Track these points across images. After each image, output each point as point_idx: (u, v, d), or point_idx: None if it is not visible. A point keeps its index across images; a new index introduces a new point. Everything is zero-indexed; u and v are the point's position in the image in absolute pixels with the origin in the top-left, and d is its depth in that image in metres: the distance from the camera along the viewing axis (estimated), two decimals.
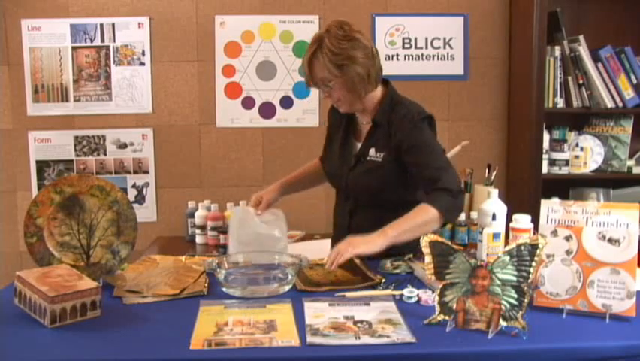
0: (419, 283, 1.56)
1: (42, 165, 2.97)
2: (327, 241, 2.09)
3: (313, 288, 1.52)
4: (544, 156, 2.83)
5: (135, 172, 3.01)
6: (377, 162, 1.79)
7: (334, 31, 1.71)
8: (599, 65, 2.80)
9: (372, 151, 1.81)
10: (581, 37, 2.81)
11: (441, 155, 1.75)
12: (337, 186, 1.94)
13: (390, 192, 1.80)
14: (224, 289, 1.50)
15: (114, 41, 2.93)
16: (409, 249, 1.70)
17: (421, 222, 1.62)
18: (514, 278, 1.25)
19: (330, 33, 1.71)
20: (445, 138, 2.99)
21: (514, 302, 1.24)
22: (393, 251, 1.66)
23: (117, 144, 2.98)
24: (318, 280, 1.59)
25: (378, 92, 1.82)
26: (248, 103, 3.00)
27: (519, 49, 2.91)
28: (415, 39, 3.01)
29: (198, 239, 2.82)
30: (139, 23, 2.93)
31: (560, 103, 2.81)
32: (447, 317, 1.27)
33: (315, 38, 1.73)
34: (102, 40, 2.93)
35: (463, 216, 2.78)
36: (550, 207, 1.39)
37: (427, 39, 3.01)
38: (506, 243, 1.55)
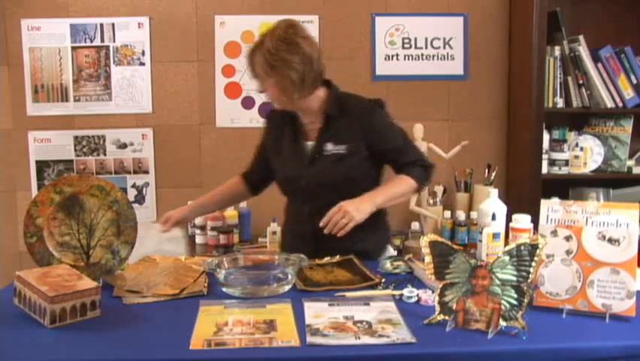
0: (419, 283, 1.56)
1: (42, 165, 2.97)
2: None
3: (313, 288, 1.52)
4: (544, 156, 2.83)
5: (135, 172, 3.01)
6: (340, 154, 1.78)
7: (278, 32, 1.73)
8: (599, 65, 2.81)
9: (329, 146, 1.80)
10: (581, 37, 2.81)
11: (407, 135, 1.87)
12: (294, 189, 1.86)
13: (355, 183, 1.79)
14: (224, 289, 1.50)
15: (114, 41, 2.93)
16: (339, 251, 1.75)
17: (401, 192, 1.78)
18: (514, 278, 1.25)
19: (274, 33, 1.73)
20: (445, 138, 2.99)
21: (514, 302, 1.24)
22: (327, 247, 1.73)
23: (117, 144, 2.99)
24: (318, 280, 1.59)
25: (322, 92, 1.83)
26: (248, 103, 3.00)
27: (519, 49, 2.91)
28: (415, 39, 3.01)
29: (198, 239, 2.82)
30: (139, 23, 2.93)
31: (560, 103, 2.81)
32: (447, 317, 1.27)
33: (261, 35, 1.76)
34: (102, 40, 2.93)
35: (462, 216, 2.79)
36: (550, 207, 1.39)
37: (426, 39, 3.01)
38: (506, 243, 1.55)
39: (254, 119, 3.00)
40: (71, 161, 2.98)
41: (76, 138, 2.96)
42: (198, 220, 2.80)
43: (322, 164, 1.80)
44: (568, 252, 1.35)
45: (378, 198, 1.72)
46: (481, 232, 1.58)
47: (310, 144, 1.84)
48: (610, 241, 1.32)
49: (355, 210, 1.67)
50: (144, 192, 3.02)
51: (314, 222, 1.75)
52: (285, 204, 1.98)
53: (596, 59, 2.81)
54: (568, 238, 1.36)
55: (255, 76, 1.81)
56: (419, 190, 1.87)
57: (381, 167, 1.89)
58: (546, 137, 2.85)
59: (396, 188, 1.78)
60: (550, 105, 2.80)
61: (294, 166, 1.84)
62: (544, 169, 2.84)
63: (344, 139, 1.79)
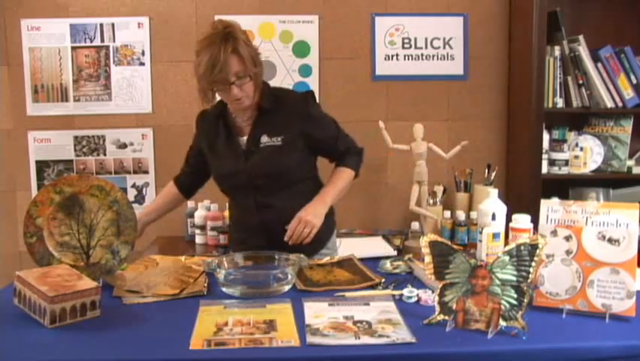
0: (419, 283, 1.56)
1: (42, 165, 2.96)
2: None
3: (313, 288, 1.52)
4: (544, 156, 2.83)
5: (135, 172, 3.01)
6: (277, 146, 1.81)
7: (235, 26, 1.72)
8: (599, 65, 2.80)
9: (264, 138, 1.81)
10: (581, 37, 2.81)
11: (338, 124, 1.94)
12: (235, 184, 1.87)
13: (294, 172, 1.85)
14: (224, 289, 1.50)
15: (114, 41, 2.93)
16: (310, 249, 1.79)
17: (344, 186, 1.89)
18: (514, 278, 1.26)
19: (235, 28, 1.71)
20: (445, 138, 2.99)
21: (514, 302, 1.24)
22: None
23: (117, 144, 2.98)
24: (317, 280, 1.59)
25: None
26: None
27: (519, 49, 2.91)
28: (415, 39, 3.01)
29: (198, 239, 2.82)
30: (139, 23, 2.93)
31: (560, 103, 2.81)
32: (447, 317, 1.27)
33: (223, 34, 1.68)
34: (102, 40, 2.93)
35: (462, 216, 2.79)
36: (550, 207, 1.39)
37: (426, 39, 3.01)
38: (506, 243, 1.55)
39: None
40: (71, 161, 2.98)
41: (76, 138, 2.96)
42: (198, 220, 2.80)
43: (259, 156, 1.81)
44: (568, 252, 1.35)
45: (327, 198, 1.83)
46: (481, 232, 1.58)
47: (244, 138, 1.84)
48: (610, 241, 1.32)
49: (313, 217, 1.76)
50: (144, 192, 3.02)
51: (262, 214, 1.83)
52: (228, 201, 2.01)
53: (595, 59, 2.81)
54: (568, 238, 1.36)
55: (223, 80, 1.69)
56: (356, 177, 1.96)
57: (315, 157, 1.94)
58: (546, 137, 2.84)
59: (340, 183, 1.88)
60: (550, 105, 2.80)
61: (231, 162, 1.84)
62: (544, 169, 2.84)
63: (279, 131, 1.81)
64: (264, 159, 1.80)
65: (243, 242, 1.88)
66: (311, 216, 1.75)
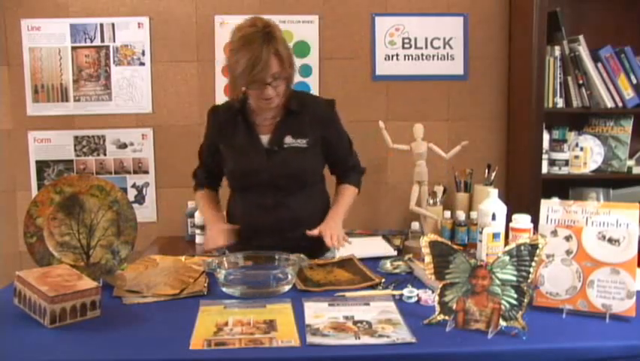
0: (419, 283, 1.56)
1: (42, 165, 2.96)
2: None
3: (313, 288, 1.52)
4: (544, 156, 2.83)
5: (135, 172, 3.01)
6: (302, 147, 1.82)
7: (275, 25, 1.72)
8: (599, 65, 2.80)
9: (288, 138, 1.81)
10: (581, 37, 2.81)
11: (351, 140, 1.99)
12: (253, 182, 1.84)
13: (312, 175, 1.90)
14: (224, 289, 1.50)
15: (114, 41, 2.93)
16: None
17: (351, 201, 1.95)
18: (514, 278, 1.25)
19: (275, 27, 1.71)
20: (445, 138, 2.99)
21: (514, 302, 1.24)
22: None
23: (117, 144, 2.98)
24: (318, 280, 1.59)
25: None
26: None
27: (519, 49, 2.91)
28: (415, 39, 3.01)
29: (198, 239, 2.82)
30: (139, 23, 2.93)
31: (560, 103, 2.80)
32: (447, 317, 1.27)
33: (264, 34, 1.66)
34: (102, 40, 2.93)
35: (463, 217, 2.79)
36: (550, 207, 1.39)
37: (426, 39, 3.01)
38: (506, 243, 1.55)
39: None
40: (71, 161, 2.98)
41: (76, 137, 2.96)
42: (198, 220, 2.80)
43: (283, 156, 1.81)
44: (568, 252, 1.35)
45: (341, 213, 1.90)
46: (481, 232, 1.58)
47: (265, 137, 1.83)
48: (610, 241, 1.32)
49: (335, 227, 1.82)
50: (144, 192, 3.02)
51: (277, 213, 1.83)
52: (232, 199, 1.96)
53: (596, 59, 2.81)
54: (568, 238, 1.36)
55: (261, 80, 1.67)
56: (357, 194, 2.02)
57: (325, 163, 1.96)
58: (546, 137, 2.84)
59: (348, 199, 1.95)
60: (550, 105, 2.79)
61: (253, 160, 1.83)
62: (544, 169, 2.84)
63: (305, 133, 1.83)
64: (288, 159, 1.81)
65: (247, 241, 1.83)
66: (333, 228, 1.80)
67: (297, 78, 2.95)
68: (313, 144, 1.84)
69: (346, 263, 1.77)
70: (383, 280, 1.58)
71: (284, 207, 1.83)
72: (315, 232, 1.79)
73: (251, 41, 1.65)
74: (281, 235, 1.81)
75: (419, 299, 1.42)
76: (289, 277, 1.53)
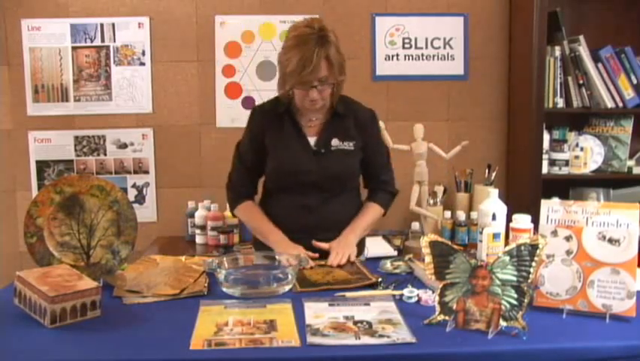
0: (419, 283, 1.56)
1: (42, 165, 2.97)
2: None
3: (309, 288, 1.51)
4: (544, 156, 2.83)
5: (135, 172, 3.01)
6: (349, 150, 1.84)
7: (330, 30, 1.71)
8: (599, 65, 2.80)
9: (335, 141, 1.83)
10: (581, 37, 2.81)
11: (389, 156, 2.00)
12: (298, 182, 1.84)
13: (355, 178, 1.93)
14: (224, 289, 1.50)
15: (114, 41, 2.93)
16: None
17: (373, 220, 1.94)
18: (514, 278, 1.25)
19: (330, 32, 1.71)
20: (445, 138, 2.99)
21: (514, 302, 1.24)
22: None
23: (117, 144, 2.99)
24: (315, 280, 1.59)
25: None
26: (248, 103, 3.00)
27: (519, 49, 2.91)
28: (415, 39, 3.01)
29: (198, 239, 2.82)
30: (139, 23, 2.93)
31: (560, 103, 2.80)
32: (447, 317, 1.27)
33: (318, 37, 1.67)
34: (102, 41, 2.93)
35: (463, 217, 2.79)
36: (550, 207, 1.39)
37: (427, 39, 3.01)
38: (506, 243, 1.55)
39: None
40: (71, 161, 2.98)
41: (76, 137, 2.96)
42: (198, 220, 2.80)
43: (331, 158, 1.82)
44: (568, 252, 1.35)
45: (357, 231, 1.87)
46: (481, 232, 1.58)
47: (312, 139, 1.85)
48: (610, 241, 1.32)
49: (345, 246, 1.79)
50: (144, 192, 3.02)
51: (317, 214, 1.84)
52: (267, 199, 1.93)
53: (596, 59, 2.81)
54: (568, 238, 1.35)
55: (309, 82, 1.69)
56: (383, 216, 2.00)
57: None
58: (546, 137, 2.84)
59: (370, 218, 1.92)
60: (551, 105, 2.79)
61: (302, 160, 1.83)
62: (545, 169, 2.84)
63: (352, 137, 1.85)
64: (337, 161, 1.83)
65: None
66: (343, 247, 1.78)
67: None
68: (357, 148, 1.86)
69: (346, 264, 1.76)
70: (380, 279, 1.58)
71: (324, 209, 1.85)
72: (324, 245, 1.78)
73: (304, 42, 1.67)
74: (314, 237, 1.82)
75: (419, 299, 1.42)
76: (289, 277, 1.52)
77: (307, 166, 1.82)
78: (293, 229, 1.84)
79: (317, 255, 1.74)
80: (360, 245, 1.94)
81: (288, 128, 1.85)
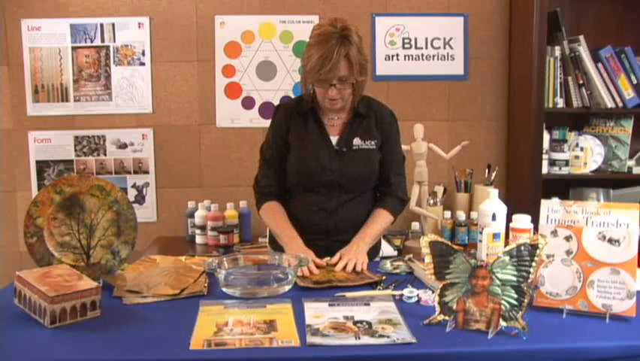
0: (419, 283, 1.56)
1: (42, 165, 2.97)
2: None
3: (313, 285, 1.52)
4: (544, 156, 2.83)
5: (135, 172, 3.01)
6: (370, 150, 1.84)
7: (353, 30, 1.72)
8: (599, 65, 2.80)
9: (356, 140, 1.83)
10: (581, 37, 2.81)
11: (404, 162, 1.97)
12: (320, 181, 1.82)
13: (374, 178, 1.89)
14: (224, 289, 1.50)
15: (114, 41, 2.93)
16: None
17: (383, 227, 1.88)
18: (514, 278, 1.25)
19: (352, 32, 1.71)
20: (445, 138, 2.99)
21: (514, 302, 1.24)
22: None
23: (117, 144, 2.98)
24: (317, 279, 1.59)
25: None
26: (248, 103, 3.00)
27: (519, 49, 2.91)
28: (415, 39, 3.01)
29: (198, 239, 2.82)
30: (139, 23, 2.93)
31: (560, 103, 2.81)
32: (447, 317, 1.27)
33: (340, 36, 1.68)
34: (102, 41, 2.93)
35: (463, 217, 2.79)
36: (550, 208, 1.39)
37: (427, 39, 3.01)
38: (506, 243, 1.55)
39: (254, 120, 3.00)
40: (71, 161, 2.98)
41: (76, 138, 2.96)
42: (198, 220, 2.80)
43: (353, 157, 1.82)
44: (568, 252, 1.35)
45: (367, 238, 1.81)
46: (481, 232, 1.59)
47: (334, 138, 1.85)
48: (610, 241, 1.32)
49: (356, 253, 1.74)
50: (144, 192, 3.02)
51: (337, 214, 1.84)
52: (288, 198, 1.90)
53: (596, 59, 2.81)
54: (568, 238, 1.36)
55: (327, 80, 1.71)
56: (393, 222, 1.95)
57: None
58: (546, 137, 2.84)
59: (380, 225, 1.87)
60: (551, 105, 2.80)
61: (322, 159, 1.82)
62: (545, 169, 2.84)
63: (373, 136, 1.85)
64: (358, 160, 1.83)
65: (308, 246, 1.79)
66: (353, 254, 1.73)
67: (298, 78, 2.97)
68: (378, 147, 1.86)
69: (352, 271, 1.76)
70: (383, 277, 1.58)
71: (342, 211, 1.84)
72: (335, 257, 1.73)
73: (326, 40, 1.69)
74: (332, 237, 1.83)
75: (419, 299, 1.42)
76: (289, 277, 1.53)
77: (329, 165, 1.82)
78: (311, 230, 1.84)
79: (324, 263, 1.70)
80: (375, 247, 1.93)
81: (311, 127, 1.85)
